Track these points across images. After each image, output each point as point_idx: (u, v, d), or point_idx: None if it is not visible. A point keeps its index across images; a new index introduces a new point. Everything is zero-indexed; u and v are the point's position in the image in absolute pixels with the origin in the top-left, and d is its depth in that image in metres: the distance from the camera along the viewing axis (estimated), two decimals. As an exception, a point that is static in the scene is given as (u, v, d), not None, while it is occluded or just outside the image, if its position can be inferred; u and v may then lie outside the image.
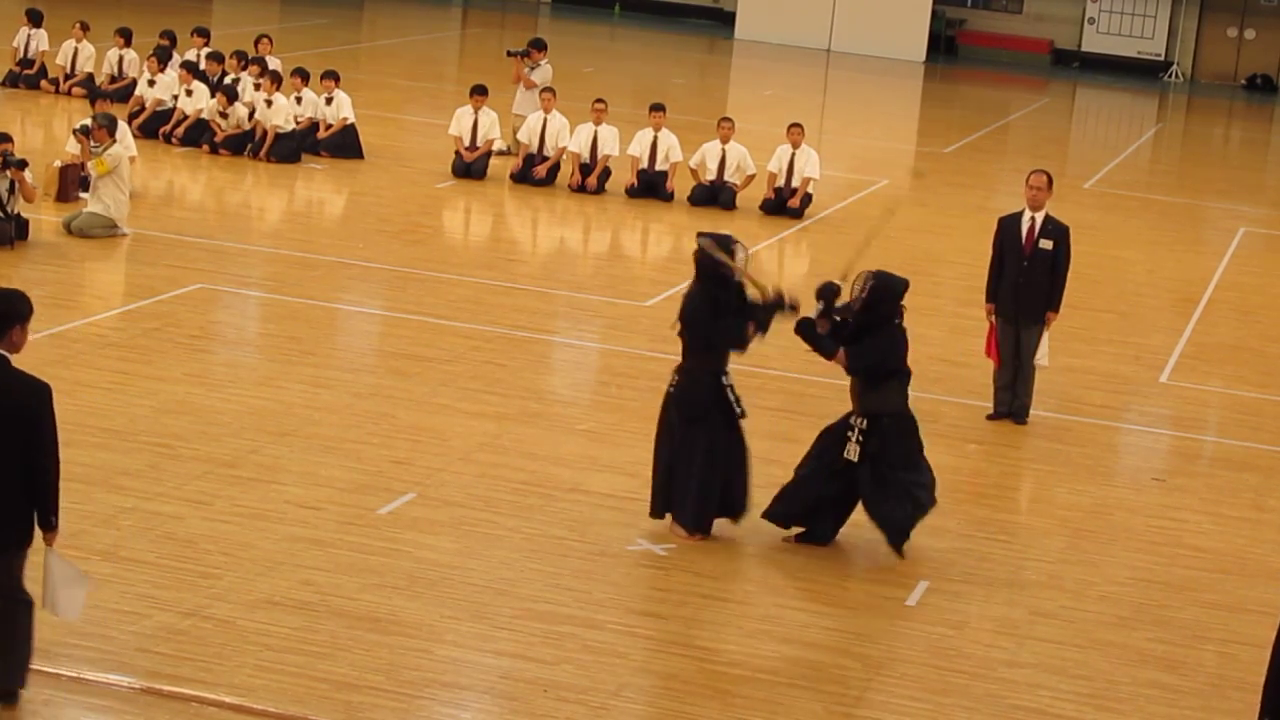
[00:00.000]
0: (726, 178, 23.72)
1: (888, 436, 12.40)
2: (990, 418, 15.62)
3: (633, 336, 17.16)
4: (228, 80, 24.95)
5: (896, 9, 45.24)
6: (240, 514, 11.89)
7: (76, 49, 27.88)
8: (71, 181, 20.43)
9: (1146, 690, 10.58)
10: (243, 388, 14.60)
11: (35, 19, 28.27)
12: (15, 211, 18.30)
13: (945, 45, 46.63)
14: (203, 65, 25.87)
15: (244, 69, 25.20)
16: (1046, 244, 15.38)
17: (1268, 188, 32.03)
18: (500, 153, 25.05)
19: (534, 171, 24.00)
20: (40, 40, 28.07)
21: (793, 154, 23.46)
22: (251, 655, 9.89)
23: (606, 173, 23.94)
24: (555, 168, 24.12)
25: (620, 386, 15.55)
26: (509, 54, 26.23)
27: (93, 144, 19.66)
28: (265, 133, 24.07)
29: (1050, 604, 11.73)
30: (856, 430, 12.38)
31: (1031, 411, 15.65)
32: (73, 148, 20.80)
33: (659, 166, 23.89)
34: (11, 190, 18.24)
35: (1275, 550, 13.17)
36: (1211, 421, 16.63)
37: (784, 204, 23.39)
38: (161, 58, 25.78)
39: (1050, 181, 15.51)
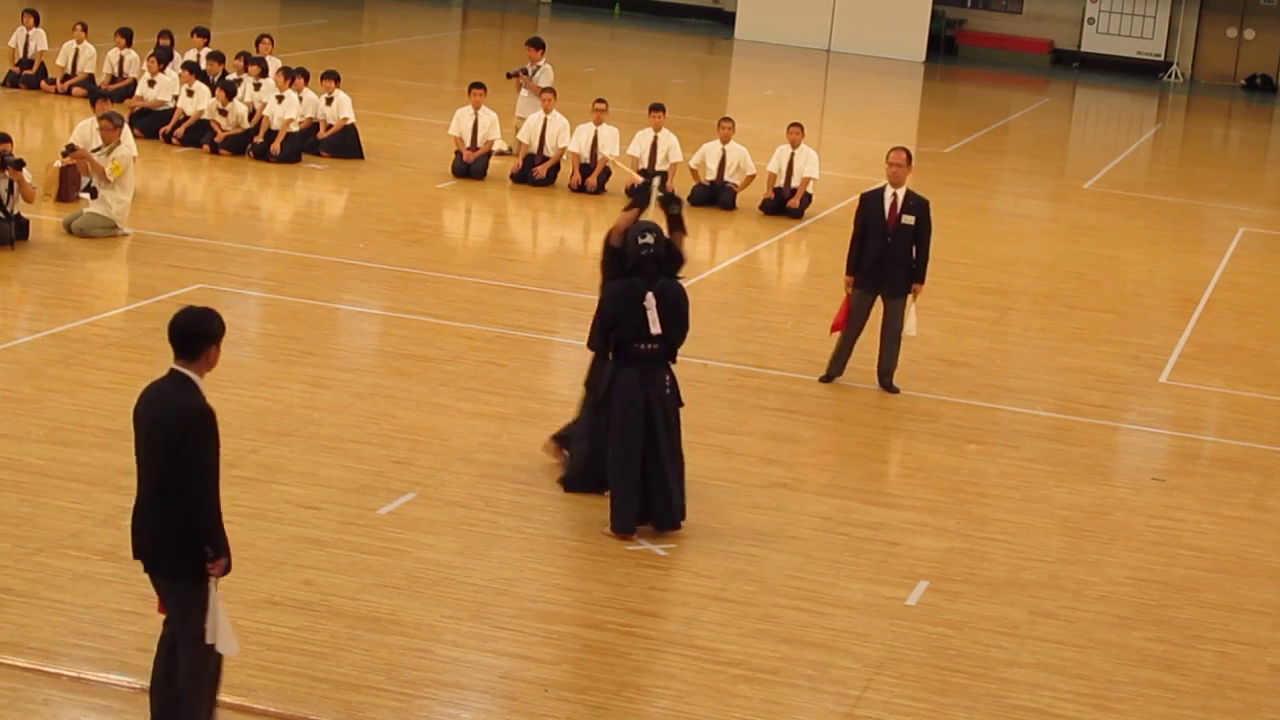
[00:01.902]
0: (726, 178, 23.72)
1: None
2: (822, 379, 16.03)
3: (633, 336, 17.13)
4: (229, 78, 24.95)
5: (896, 9, 45.23)
6: (240, 514, 11.88)
7: (77, 50, 27.88)
8: (72, 182, 20.41)
9: (1146, 690, 10.59)
10: (243, 388, 14.60)
11: (34, 18, 28.28)
12: (15, 211, 18.30)
13: (945, 45, 46.62)
14: (203, 65, 25.87)
15: (246, 69, 25.20)
16: (909, 219, 15.90)
17: (1268, 188, 32.02)
18: (501, 153, 25.04)
19: (534, 171, 24.00)
20: (39, 40, 28.07)
21: (792, 154, 23.46)
22: (251, 655, 9.88)
23: (606, 173, 23.94)
24: (555, 168, 24.12)
25: (620, 386, 15.53)
26: (508, 76, 26.08)
27: (99, 146, 19.59)
28: (269, 131, 24.07)
29: (1050, 604, 11.73)
30: (670, 388, 12.32)
31: (1037, 412, 15.66)
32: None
33: (659, 167, 23.88)
34: (11, 190, 18.24)
35: (1275, 550, 13.17)
36: (1211, 421, 16.63)
37: (784, 204, 23.39)
38: (162, 58, 25.78)
39: (909, 158, 16.03)
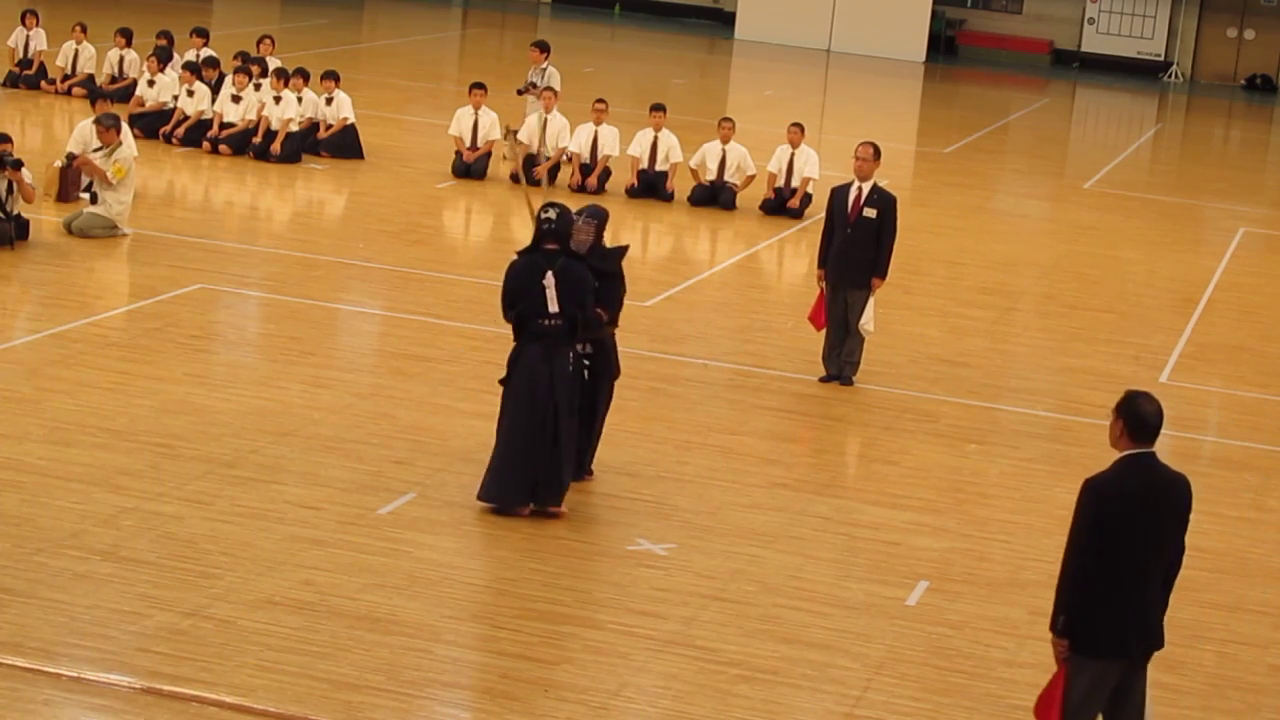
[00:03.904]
0: (726, 178, 23.72)
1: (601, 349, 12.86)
2: (822, 380, 16.07)
3: (633, 336, 17.13)
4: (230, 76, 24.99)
5: (896, 9, 45.24)
6: (240, 514, 11.89)
7: (77, 50, 27.88)
8: (72, 182, 20.41)
9: (1146, 690, 10.56)
10: (243, 388, 14.60)
11: (34, 18, 28.27)
12: (15, 212, 18.30)
13: (945, 45, 46.62)
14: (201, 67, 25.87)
15: (246, 69, 25.19)
16: (870, 212, 15.90)
17: (1268, 188, 32.03)
18: (506, 156, 25.00)
19: (534, 171, 23.99)
20: (39, 40, 28.06)
21: (792, 154, 23.46)
22: (251, 655, 9.89)
23: (606, 173, 23.94)
24: (555, 168, 24.12)
25: (620, 386, 15.53)
26: (519, 93, 26.01)
27: (98, 147, 19.58)
28: (269, 131, 24.07)
29: (1050, 604, 11.69)
30: (574, 366, 12.53)
31: (1036, 412, 15.65)
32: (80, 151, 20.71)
33: (659, 167, 23.89)
34: (10, 191, 18.24)
35: (1275, 550, 13.18)
36: (1211, 421, 16.63)
37: (784, 204, 23.40)
38: (161, 58, 25.78)
39: (876, 153, 16.03)
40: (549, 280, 12.19)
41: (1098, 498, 8.58)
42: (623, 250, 13.21)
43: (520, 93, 25.82)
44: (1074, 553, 8.62)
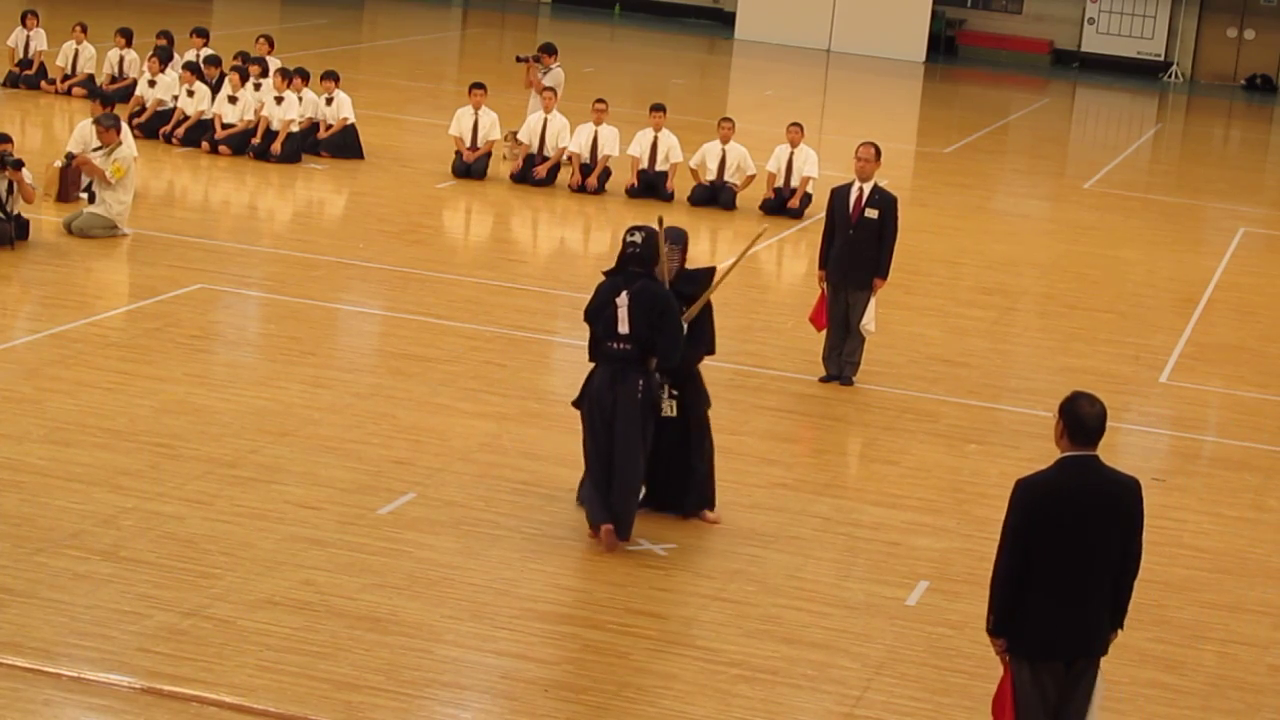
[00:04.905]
0: (726, 178, 23.72)
1: (691, 381, 12.55)
2: (822, 380, 16.08)
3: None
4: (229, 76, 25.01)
5: (896, 9, 45.24)
6: (240, 514, 11.89)
7: (77, 50, 27.89)
8: (72, 182, 20.41)
9: (1146, 690, 10.58)
10: (243, 388, 14.60)
11: (34, 18, 28.28)
12: (15, 212, 18.30)
13: (945, 45, 46.63)
14: (202, 66, 25.87)
15: (246, 69, 25.20)
16: (872, 213, 15.90)
17: (1268, 188, 32.03)
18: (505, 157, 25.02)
19: (534, 171, 24.00)
20: (39, 40, 28.07)
21: (791, 153, 23.46)
22: (251, 655, 9.89)
23: (606, 173, 23.94)
24: (555, 168, 24.12)
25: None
26: (518, 59, 26.05)
27: (98, 146, 19.59)
28: (268, 131, 24.07)
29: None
30: (668, 389, 12.20)
31: (1036, 412, 15.65)
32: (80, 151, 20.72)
33: (659, 167, 23.89)
34: (11, 191, 18.24)
35: (1275, 550, 13.17)
36: (1211, 421, 16.63)
37: (784, 204, 23.40)
38: (162, 58, 25.79)
39: (878, 153, 16.05)
40: (622, 300, 11.84)
41: (1027, 497, 8.55)
42: (710, 272, 12.86)
43: (520, 60, 25.84)
44: (1002, 552, 8.56)
